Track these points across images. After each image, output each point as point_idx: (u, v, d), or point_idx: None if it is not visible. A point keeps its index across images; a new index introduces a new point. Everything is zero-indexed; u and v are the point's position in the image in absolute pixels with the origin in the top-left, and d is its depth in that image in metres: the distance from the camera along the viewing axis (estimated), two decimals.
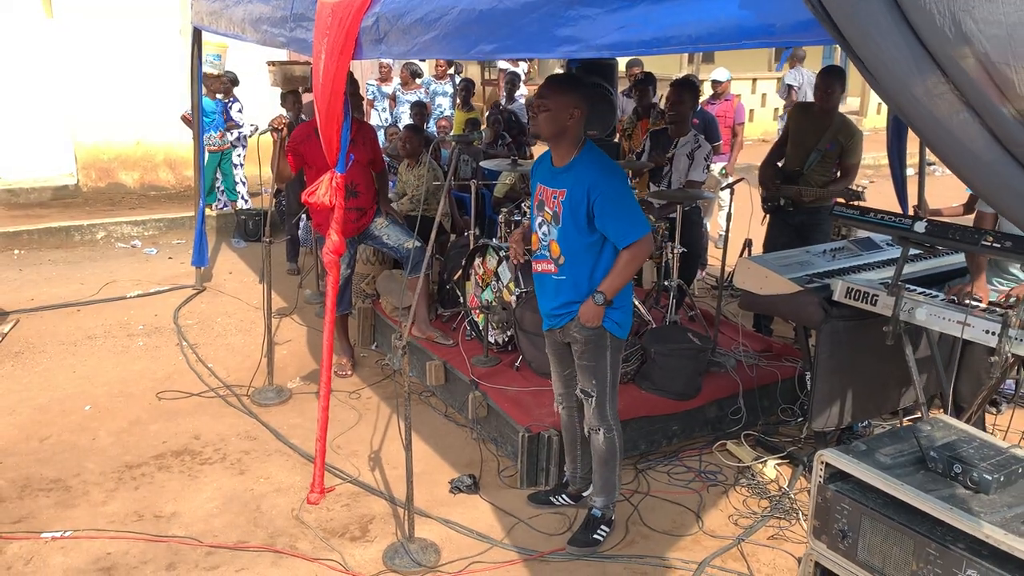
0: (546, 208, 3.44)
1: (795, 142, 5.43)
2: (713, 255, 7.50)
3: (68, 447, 4.51)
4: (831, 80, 5.21)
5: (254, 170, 9.24)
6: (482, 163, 5.88)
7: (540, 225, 3.50)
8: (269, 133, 4.82)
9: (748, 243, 5.98)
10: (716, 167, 7.91)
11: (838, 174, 5.37)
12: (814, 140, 5.27)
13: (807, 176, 5.32)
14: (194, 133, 7.14)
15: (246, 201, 9.33)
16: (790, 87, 10.54)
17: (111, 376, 5.41)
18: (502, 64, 12.87)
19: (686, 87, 5.53)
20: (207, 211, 7.88)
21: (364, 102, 9.49)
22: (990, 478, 2.00)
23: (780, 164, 5.55)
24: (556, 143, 3.37)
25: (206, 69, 8.04)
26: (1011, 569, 1.84)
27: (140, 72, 10.04)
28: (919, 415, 3.91)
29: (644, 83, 7.08)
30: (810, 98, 7.89)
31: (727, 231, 5.31)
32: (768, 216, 5.61)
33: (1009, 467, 2.06)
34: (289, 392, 5.20)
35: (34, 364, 5.58)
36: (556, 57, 3.94)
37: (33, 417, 4.83)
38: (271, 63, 8.84)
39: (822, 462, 2.17)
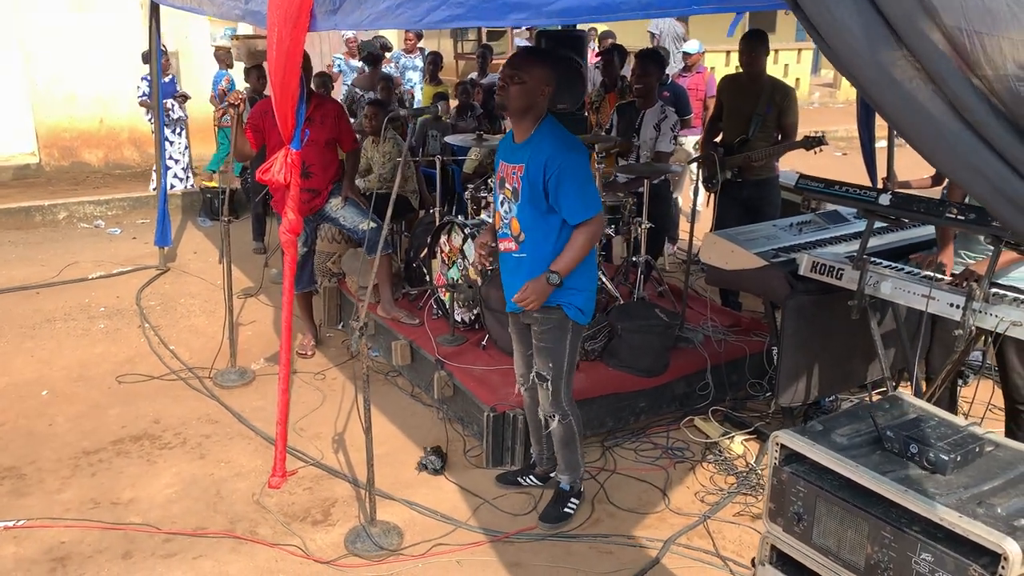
0: (507, 185, 3.38)
1: (731, 113, 5.42)
2: (684, 229, 7.46)
3: (24, 433, 4.41)
4: (755, 44, 5.20)
5: (212, 148, 9.07)
6: (447, 138, 5.78)
7: (502, 203, 3.43)
8: (227, 109, 4.68)
9: None
10: (688, 140, 7.86)
11: (779, 137, 5.35)
12: (751, 107, 5.25)
13: (753, 143, 5.29)
14: (154, 108, 6.96)
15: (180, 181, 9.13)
16: (652, 34, 10.66)
17: (70, 360, 5.30)
18: (519, 40, 12.68)
19: (651, 59, 5.45)
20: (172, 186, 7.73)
21: (333, 78, 9.35)
22: (947, 458, 1.96)
23: (718, 140, 5.53)
24: (520, 118, 3.28)
25: (219, 42, 7.88)
26: (966, 552, 1.80)
27: (102, 48, 9.80)
28: (886, 389, 3.89)
29: (609, 53, 6.96)
30: (670, 45, 7.90)
31: (693, 205, 5.26)
32: (714, 195, 5.57)
33: (966, 446, 2.02)
34: (252, 374, 5.11)
35: None
36: (506, 25, 3.83)
37: None
38: (235, 37, 8.63)
39: (777, 443, 2.13)
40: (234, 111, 4.65)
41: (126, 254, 7.51)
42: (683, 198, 8.07)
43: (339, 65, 10.11)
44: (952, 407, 3.67)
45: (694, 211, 5.30)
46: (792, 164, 6.18)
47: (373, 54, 8.19)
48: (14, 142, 9.97)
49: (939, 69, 1.24)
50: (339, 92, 9.84)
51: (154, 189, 8.87)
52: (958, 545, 1.83)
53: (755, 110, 5.23)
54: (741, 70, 5.44)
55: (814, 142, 5.03)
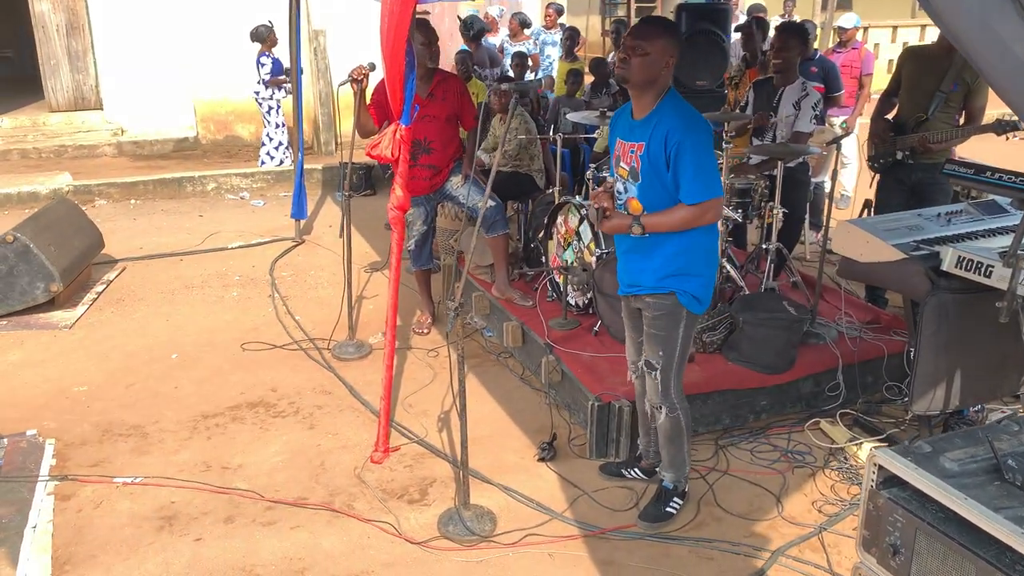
0: (622, 164, 3.22)
1: (911, 88, 4.89)
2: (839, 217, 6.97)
3: (151, 394, 4.62)
4: None
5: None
6: (570, 115, 5.60)
7: (617, 182, 3.28)
8: (349, 84, 4.69)
9: (868, 204, 5.48)
10: (838, 120, 7.35)
11: (960, 120, 4.82)
12: (934, 83, 4.72)
13: (931, 123, 4.79)
14: (292, 88, 7.15)
15: (272, 159, 9.37)
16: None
17: (202, 325, 5.53)
18: None
19: (792, 32, 5.06)
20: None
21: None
22: None
23: (890, 117, 5.04)
24: (641, 92, 3.12)
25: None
26: None
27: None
28: None
29: (750, 27, 6.55)
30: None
31: (831, 189, 4.84)
32: (878, 176, 5.10)
33: None
34: (370, 347, 5.15)
35: (132, 311, 5.77)
36: None
37: (123, 363, 4.99)
38: None
39: (874, 464, 1.86)
40: (356, 87, 4.64)
41: (267, 225, 7.80)
42: (836, 182, 7.55)
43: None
44: None
45: (831, 196, 4.89)
46: (970, 150, 5.60)
47: (478, 31, 8.16)
48: (175, 117, 10.58)
49: None
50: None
51: (282, 164, 9.23)
52: None
53: (939, 87, 4.71)
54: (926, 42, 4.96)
55: (1007, 126, 4.47)
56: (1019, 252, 3.08)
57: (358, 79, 4.61)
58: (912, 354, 4.05)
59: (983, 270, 3.20)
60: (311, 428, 4.29)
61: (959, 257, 3.32)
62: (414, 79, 3.69)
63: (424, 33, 4.68)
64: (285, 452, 4.06)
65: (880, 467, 1.83)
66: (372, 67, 4.73)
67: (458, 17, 9.32)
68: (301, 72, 7.19)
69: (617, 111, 3.38)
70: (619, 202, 3.27)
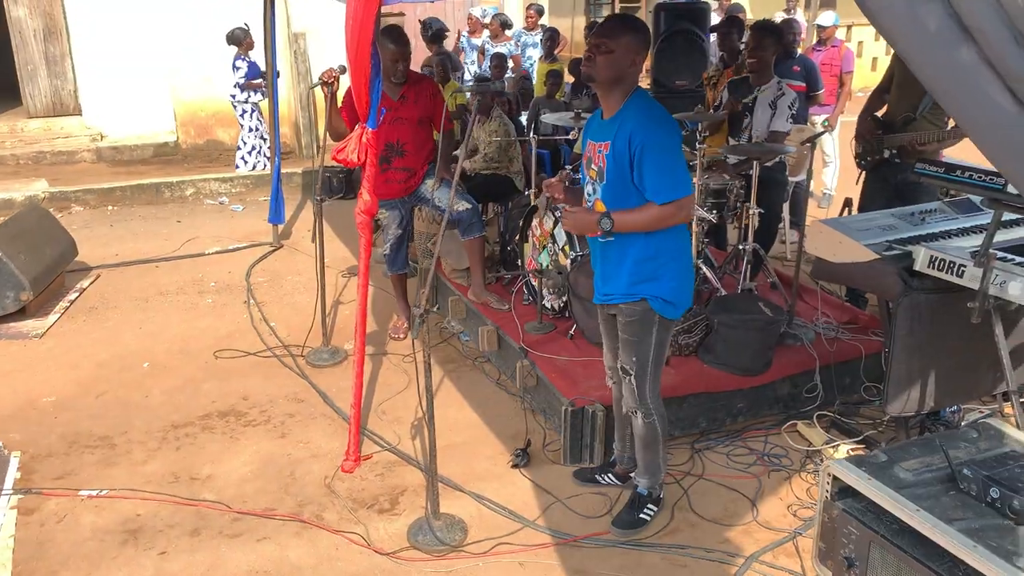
0: (592, 165, 3.17)
1: (902, 86, 4.80)
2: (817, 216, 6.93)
3: (121, 404, 4.55)
4: None
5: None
6: (544, 117, 5.55)
7: (587, 184, 3.24)
8: (320, 87, 4.63)
9: (848, 203, 5.43)
10: (819, 118, 7.31)
11: (951, 122, 4.76)
12: None
13: (919, 123, 4.73)
14: (268, 90, 7.08)
15: (245, 163, 9.29)
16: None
17: (175, 333, 5.45)
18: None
19: (767, 31, 5.01)
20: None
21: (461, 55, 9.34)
22: None
23: (880, 114, 4.98)
24: (608, 91, 3.07)
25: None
26: None
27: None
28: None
29: (727, 25, 6.50)
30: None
31: (807, 186, 4.79)
32: (864, 174, 5.04)
33: None
34: (344, 354, 5.09)
35: (105, 319, 5.69)
36: None
37: (93, 372, 4.91)
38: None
39: (829, 475, 1.81)
40: (327, 89, 4.58)
41: (245, 230, 7.72)
42: (816, 182, 7.51)
43: (462, 44, 10.03)
44: None
45: (806, 194, 4.85)
46: (967, 155, 5.53)
47: (436, 32, 8.16)
48: (155, 122, 10.49)
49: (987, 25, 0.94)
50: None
51: (258, 170, 9.13)
52: None
53: None
54: None
55: None
56: (990, 251, 3.05)
57: (328, 82, 4.55)
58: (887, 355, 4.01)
59: (955, 270, 3.17)
60: (282, 437, 4.22)
61: (931, 257, 3.29)
62: (380, 82, 3.61)
63: (397, 46, 4.57)
64: (255, 462, 4.00)
65: (835, 477, 1.78)
66: (343, 70, 4.65)
67: (419, 21, 9.29)
68: (277, 75, 7.12)
69: (591, 117, 3.33)
70: (588, 204, 3.22)
